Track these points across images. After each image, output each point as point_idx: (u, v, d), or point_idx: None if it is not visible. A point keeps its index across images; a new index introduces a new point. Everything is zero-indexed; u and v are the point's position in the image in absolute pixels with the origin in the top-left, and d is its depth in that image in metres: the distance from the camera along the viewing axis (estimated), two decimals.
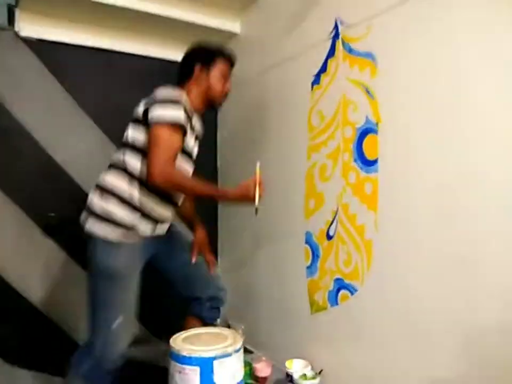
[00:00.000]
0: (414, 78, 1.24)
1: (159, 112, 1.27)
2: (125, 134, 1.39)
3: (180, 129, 1.30)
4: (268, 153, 1.90)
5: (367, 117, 1.39)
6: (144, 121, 1.31)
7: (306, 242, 1.67)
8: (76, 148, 2.00)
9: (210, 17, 2.09)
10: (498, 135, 1.04)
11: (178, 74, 1.50)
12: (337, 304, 1.51)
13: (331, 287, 1.54)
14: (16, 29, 1.86)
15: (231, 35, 2.15)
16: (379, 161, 1.35)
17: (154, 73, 2.19)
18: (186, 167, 1.41)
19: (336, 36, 1.51)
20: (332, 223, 1.54)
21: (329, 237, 1.56)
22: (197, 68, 1.45)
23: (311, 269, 1.65)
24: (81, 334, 1.95)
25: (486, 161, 1.06)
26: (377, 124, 1.36)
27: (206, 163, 2.31)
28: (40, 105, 1.94)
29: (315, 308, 1.62)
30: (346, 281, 1.47)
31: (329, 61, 1.55)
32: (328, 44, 1.55)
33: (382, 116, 1.34)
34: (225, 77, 1.49)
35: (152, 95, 1.34)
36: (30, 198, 1.91)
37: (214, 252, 2.26)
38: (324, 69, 1.57)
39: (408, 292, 1.26)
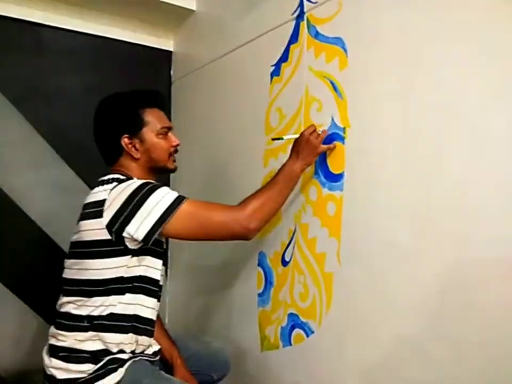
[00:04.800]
0: (394, 74, 0.96)
1: (160, 207, 0.95)
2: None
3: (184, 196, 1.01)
4: (222, 156, 1.61)
5: (332, 120, 1.11)
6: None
7: (259, 264, 1.39)
8: None
9: None
10: (495, 151, 0.78)
11: (103, 155, 1.12)
12: (290, 344, 1.25)
13: (284, 323, 1.27)
14: None
15: (187, 12, 1.83)
16: (345, 177, 1.07)
17: (96, 53, 1.87)
18: (158, 267, 1.07)
19: (300, 16, 1.22)
20: (288, 246, 1.27)
21: (284, 263, 1.29)
22: (124, 141, 1.07)
23: (263, 297, 1.37)
24: None
25: (481, 184, 0.80)
26: (344, 129, 1.08)
27: None
28: None
29: (266, 345, 1.35)
30: (302, 318, 1.20)
31: (291, 47, 1.26)
32: (291, 27, 1.25)
33: (350, 120, 1.06)
34: (163, 129, 1.11)
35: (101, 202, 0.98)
36: None
37: None
38: (285, 57, 1.28)
39: (370, 344, 1.00)
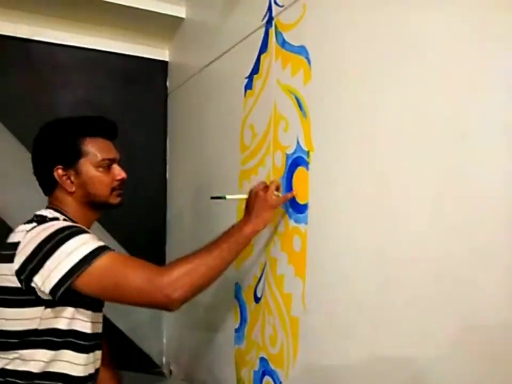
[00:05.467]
0: (361, 90, 0.80)
1: (71, 259, 0.83)
2: None
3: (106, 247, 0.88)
4: (206, 172, 1.50)
5: (297, 142, 0.96)
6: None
7: (236, 297, 1.26)
8: None
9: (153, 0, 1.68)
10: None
11: (40, 186, 1.03)
12: None
13: (256, 367, 1.14)
14: None
15: (177, 21, 1.74)
16: (309, 208, 0.92)
17: (87, 66, 1.82)
18: (86, 318, 0.94)
19: (269, 21, 1.08)
20: (259, 281, 1.13)
21: (256, 299, 1.15)
22: (57, 173, 0.96)
23: (238, 333, 1.24)
24: None
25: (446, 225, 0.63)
26: (308, 153, 0.93)
27: (153, 176, 1.94)
28: None
29: None
30: (272, 366, 1.06)
31: (262, 57, 1.12)
32: (261, 34, 1.11)
33: (314, 143, 0.91)
34: (104, 161, 0.99)
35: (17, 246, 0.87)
36: None
37: None
38: (256, 69, 1.14)
39: None
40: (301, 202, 0.95)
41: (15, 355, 0.88)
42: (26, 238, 0.87)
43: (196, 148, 1.59)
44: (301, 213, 0.94)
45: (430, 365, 0.66)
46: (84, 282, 0.83)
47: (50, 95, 1.76)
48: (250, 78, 1.17)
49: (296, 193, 0.96)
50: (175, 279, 0.83)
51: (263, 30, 1.11)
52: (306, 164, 0.93)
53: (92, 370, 0.97)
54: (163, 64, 1.93)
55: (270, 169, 1.07)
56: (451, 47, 0.64)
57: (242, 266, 1.22)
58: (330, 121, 0.87)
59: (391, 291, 0.73)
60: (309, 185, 0.92)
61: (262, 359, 1.10)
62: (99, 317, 1.00)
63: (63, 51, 1.77)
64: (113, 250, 0.88)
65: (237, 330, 1.25)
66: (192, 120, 1.65)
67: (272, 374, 1.06)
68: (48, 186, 1.00)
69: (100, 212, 1.05)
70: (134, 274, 0.84)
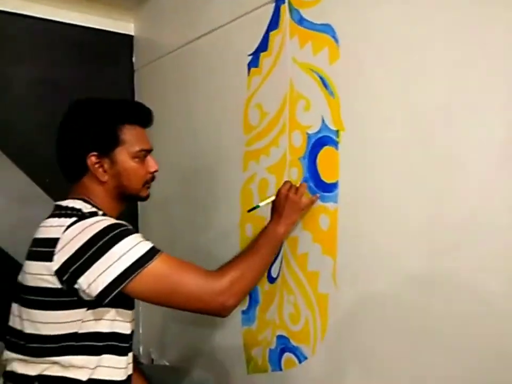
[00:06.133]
0: (395, 67, 0.82)
1: (124, 261, 0.76)
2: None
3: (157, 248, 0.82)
4: (196, 156, 1.44)
5: (323, 121, 0.96)
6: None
7: None
8: None
9: None
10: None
11: (63, 171, 0.92)
12: (280, 369, 1.13)
13: (273, 345, 1.15)
14: None
15: None
16: (339, 187, 0.94)
17: (42, 39, 1.64)
18: (127, 318, 0.89)
19: None
20: (275, 261, 1.13)
21: (271, 279, 1.15)
22: (91, 160, 0.87)
23: (248, 315, 1.24)
24: None
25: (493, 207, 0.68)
26: (337, 132, 0.93)
27: None
28: None
29: (252, 367, 1.23)
30: (293, 342, 1.08)
31: (271, 34, 1.09)
32: (270, 10, 1.08)
33: (344, 122, 0.92)
34: (141, 152, 0.91)
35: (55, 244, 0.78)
36: None
37: None
38: (263, 46, 1.12)
39: (371, 376, 0.89)
40: (328, 181, 0.96)
41: (52, 362, 0.80)
42: (67, 234, 0.78)
43: (180, 129, 1.53)
44: (329, 191, 0.95)
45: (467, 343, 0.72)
46: (135, 286, 0.77)
47: (1, 70, 1.57)
48: (255, 55, 1.14)
49: (321, 172, 0.97)
50: (229, 286, 0.83)
51: (272, 6, 1.08)
52: (335, 143, 0.93)
53: (131, 371, 0.91)
54: (128, 39, 1.81)
55: (286, 149, 1.07)
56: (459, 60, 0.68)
57: None
58: (363, 100, 0.88)
59: (436, 263, 0.77)
60: (339, 165, 0.93)
61: (281, 337, 1.12)
62: (133, 314, 0.94)
63: (14, 20, 1.57)
64: (162, 251, 0.82)
65: (244, 312, 1.25)
66: (172, 99, 1.57)
67: (294, 350, 1.08)
68: (76, 173, 0.90)
69: (126, 204, 0.97)
70: (190, 280, 0.81)
